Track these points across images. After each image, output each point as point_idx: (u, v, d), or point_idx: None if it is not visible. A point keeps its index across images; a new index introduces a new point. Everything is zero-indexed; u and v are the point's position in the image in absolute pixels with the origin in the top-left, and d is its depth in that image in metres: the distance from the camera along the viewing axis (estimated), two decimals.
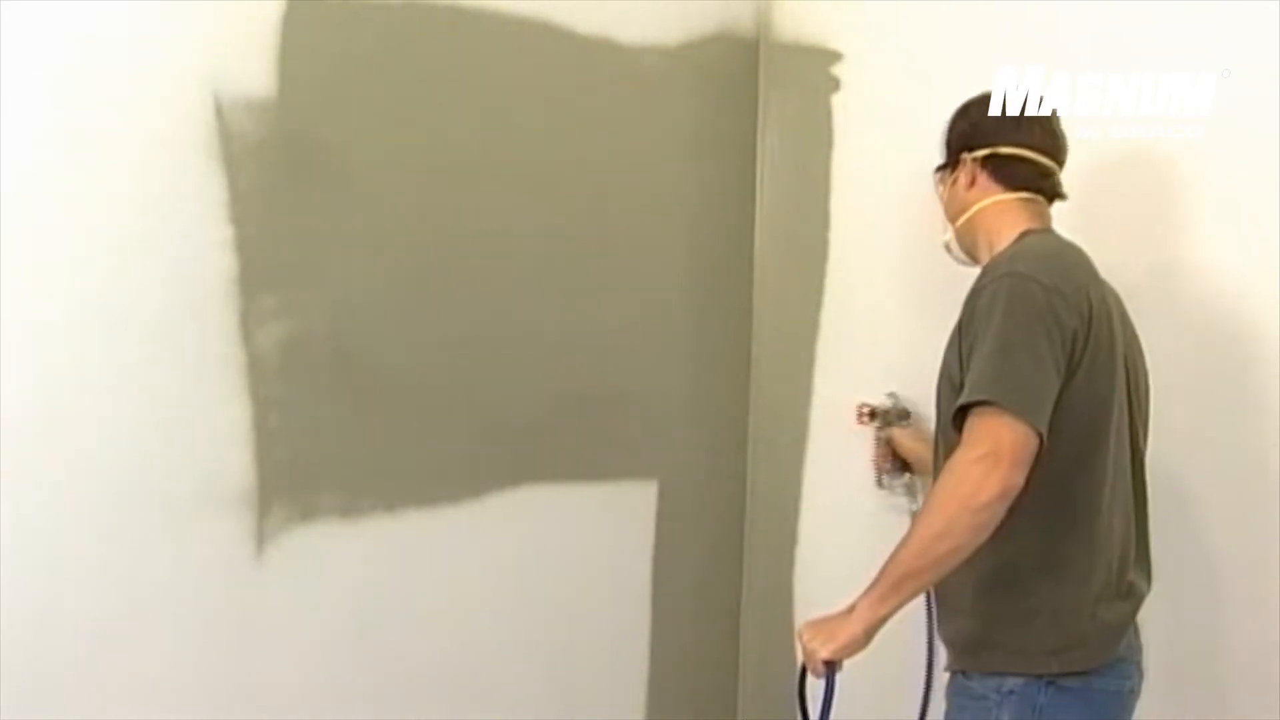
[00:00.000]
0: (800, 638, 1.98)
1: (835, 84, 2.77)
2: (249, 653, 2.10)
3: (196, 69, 1.99)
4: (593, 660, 2.60)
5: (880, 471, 2.74)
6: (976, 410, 1.89)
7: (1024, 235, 2.10)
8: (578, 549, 2.56)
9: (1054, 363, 1.92)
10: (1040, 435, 1.87)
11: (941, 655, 2.17)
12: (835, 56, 2.80)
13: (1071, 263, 2.04)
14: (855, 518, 2.63)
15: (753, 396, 2.93)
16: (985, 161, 2.17)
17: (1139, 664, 2.04)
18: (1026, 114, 2.19)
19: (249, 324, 2.05)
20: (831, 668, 1.95)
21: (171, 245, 1.97)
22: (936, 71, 2.61)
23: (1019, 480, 1.86)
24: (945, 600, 2.10)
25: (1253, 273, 2.33)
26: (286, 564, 2.11)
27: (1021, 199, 2.15)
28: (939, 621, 2.15)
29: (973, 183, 2.18)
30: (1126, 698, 2.03)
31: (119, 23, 1.91)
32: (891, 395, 2.75)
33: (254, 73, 2.05)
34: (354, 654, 2.22)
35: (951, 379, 2.02)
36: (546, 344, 2.49)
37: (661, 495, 2.74)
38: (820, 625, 1.96)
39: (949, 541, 1.87)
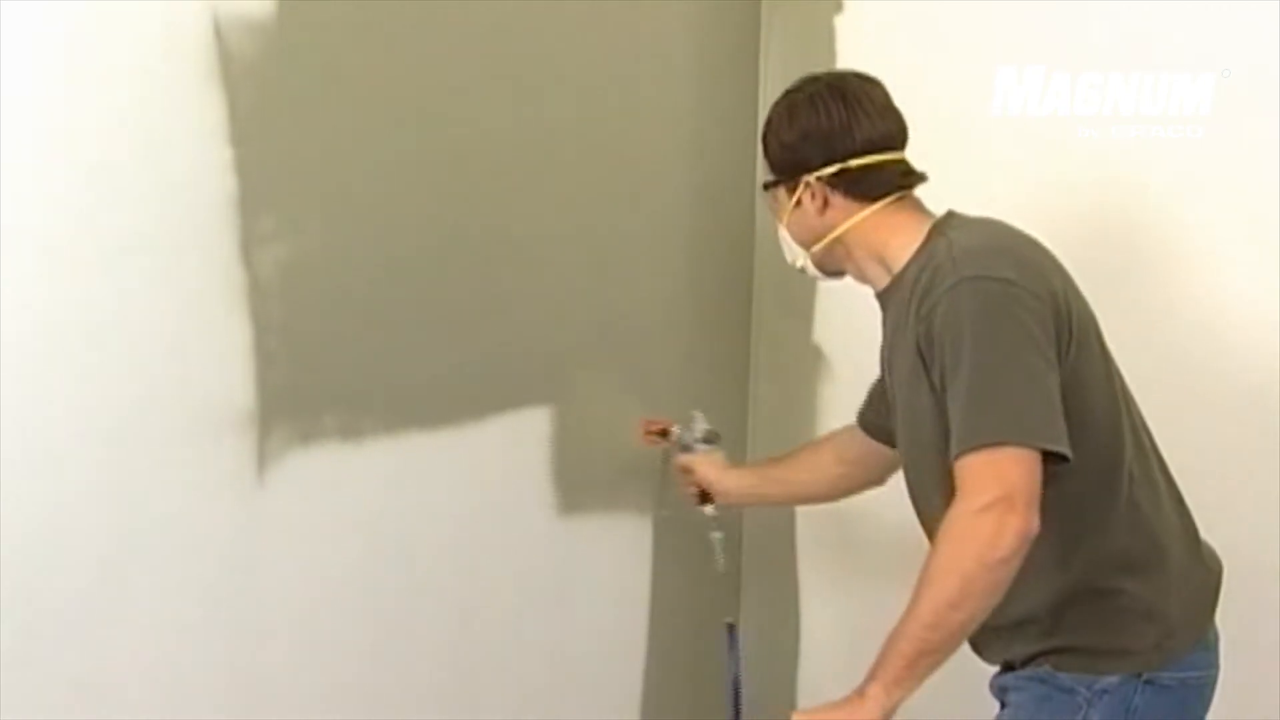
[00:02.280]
0: None
1: (838, 4, 2.72)
2: (251, 574, 2.08)
3: None
4: (595, 581, 2.61)
5: (661, 499, 2.52)
6: (969, 457, 1.69)
7: (935, 234, 1.88)
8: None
9: (1045, 362, 1.74)
10: (1059, 450, 1.70)
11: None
12: None
13: (1012, 243, 1.86)
14: (855, 502, 2.61)
15: (753, 336, 2.89)
16: (834, 179, 1.92)
17: (1218, 650, 1.93)
18: (863, 107, 1.92)
19: (249, 246, 2.02)
20: None
21: (170, 167, 1.94)
22: (938, 78, 2.61)
23: (1036, 521, 1.67)
24: (1010, 620, 1.84)
25: (1253, 273, 2.32)
26: (288, 486, 2.09)
27: (892, 203, 1.93)
28: (997, 637, 1.89)
29: (825, 205, 1.94)
30: (1210, 688, 1.91)
31: None
32: (692, 414, 2.51)
33: None
34: (356, 575, 2.21)
35: (916, 409, 1.85)
36: (547, 263, 2.45)
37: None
38: (823, 715, 1.74)
39: (967, 607, 1.67)
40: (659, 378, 2.69)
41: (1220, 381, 2.36)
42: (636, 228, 2.63)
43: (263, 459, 2.07)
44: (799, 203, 1.96)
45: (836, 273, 2.04)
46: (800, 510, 2.86)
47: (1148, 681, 1.83)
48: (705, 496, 2.49)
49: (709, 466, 2.47)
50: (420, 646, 2.31)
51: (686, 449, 2.49)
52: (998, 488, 1.67)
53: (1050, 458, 1.71)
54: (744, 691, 2.33)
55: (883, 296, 1.95)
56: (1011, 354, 1.73)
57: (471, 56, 2.32)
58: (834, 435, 2.38)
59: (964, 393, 1.73)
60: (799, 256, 2.03)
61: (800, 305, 2.79)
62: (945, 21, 2.60)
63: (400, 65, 2.21)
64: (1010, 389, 1.72)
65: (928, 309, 1.79)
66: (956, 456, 1.71)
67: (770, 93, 2.69)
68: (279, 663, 2.13)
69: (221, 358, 2.02)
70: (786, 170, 1.97)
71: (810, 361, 2.80)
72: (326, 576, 2.18)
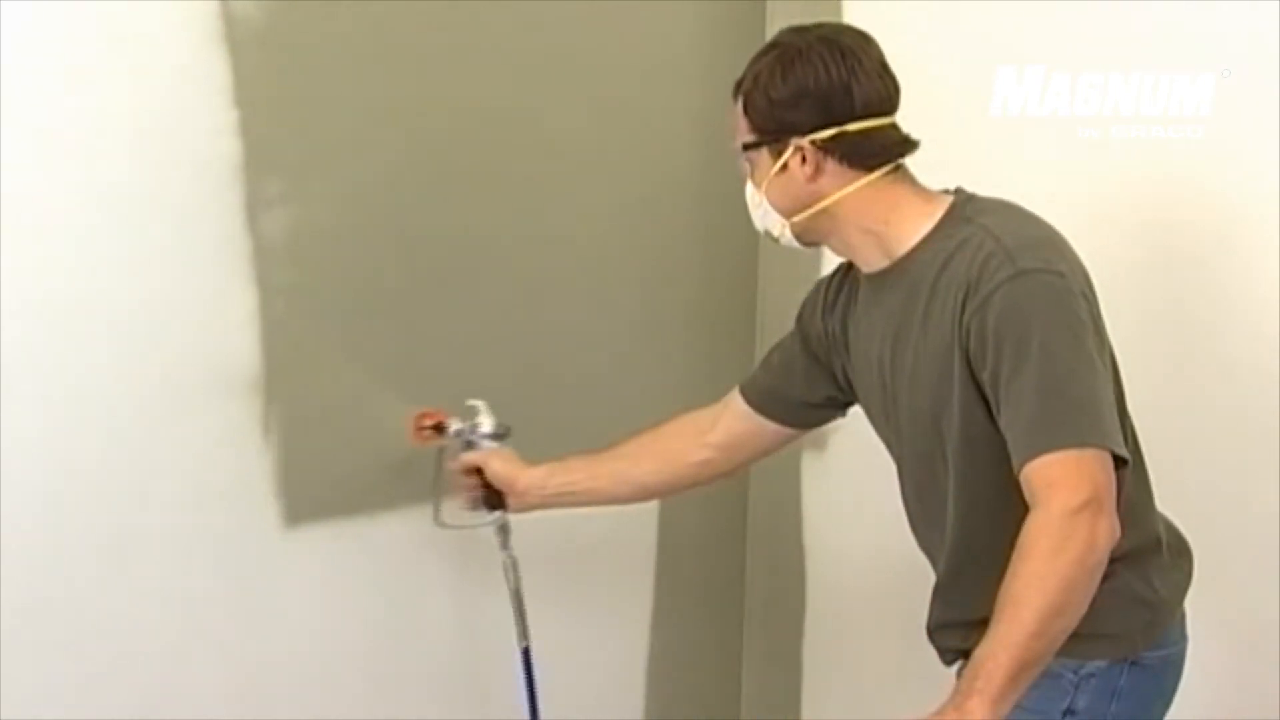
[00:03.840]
0: None
1: (837, 6, 2.70)
2: (257, 538, 2.10)
3: None
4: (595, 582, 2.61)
5: (438, 506, 2.22)
6: (1052, 455, 1.62)
7: (957, 218, 1.78)
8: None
9: (1102, 364, 1.70)
10: (1124, 454, 1.67)
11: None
12: None
13: (1051, 233, 1.79)
14: (860, 503, 2.61)
15: (758, 340, 2.87)
16: (830, 144, 1.77)
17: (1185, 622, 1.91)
18: (862, 66, 1.78)
19: (254, 210, 2.03)
20: None
21: (175, 130, 1.96)
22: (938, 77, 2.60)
23: (1119, 525, 1.63)
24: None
25: (1252, 273, 2.32)
26: (293, 449, 2.11)
27: (887, 174, 1.81)
28: (949, 604, 1.87)
29: (816, 172, 1.79)
30: (1182, 661, 1.89)
31: None
32: (475, 405, 2.21)
33: None
34: (358, 541, 2.22)
35: (937, 408, 1.77)
36: (548, 245, 2.46)
37: None
38: None
39: (1070, 614, 1.60)
40: (664, 380, 2.69)
41: (1220, 381, 2.35)
42: (642, 228, 2.63)
43: (268, 424, 2.06)
44: (785, 167, 1.79)
45: (813, 243, 1.90)
46: (803, 499, 2.83)
47: (1134, 664, 1.80)
48: (494, 500, 2.19)
49: (502, 462, 2.18)
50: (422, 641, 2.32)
51: (470, 446, 2.19)
52: (1088, 490, 1.60)
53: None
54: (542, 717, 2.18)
55: (879, 280, 1.84)
56: (1083, 353, 1.67)
57: (483, 25, 2.31)
58: (688, 419, 2.17)
59: (1036, 390, 1.64)
60: (775, 225, 1.86)
61: None
62: (945, 21, 2.60)
63: (406, 26, 2.20)
64: (1087, 390, 1.66)
65: (978, 303, 1.69)
66: (1032, 456, 1.64)
67: None
68: (285, 630, 2.15)
69: (227, 323, 2.02)
70: (773, 130, 1.79)
71: (812, 434, 2.77)
72: (328, 541, 2.17)
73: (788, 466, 2.85)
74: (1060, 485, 1.61)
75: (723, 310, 2.81)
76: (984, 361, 1.69)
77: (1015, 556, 1.62)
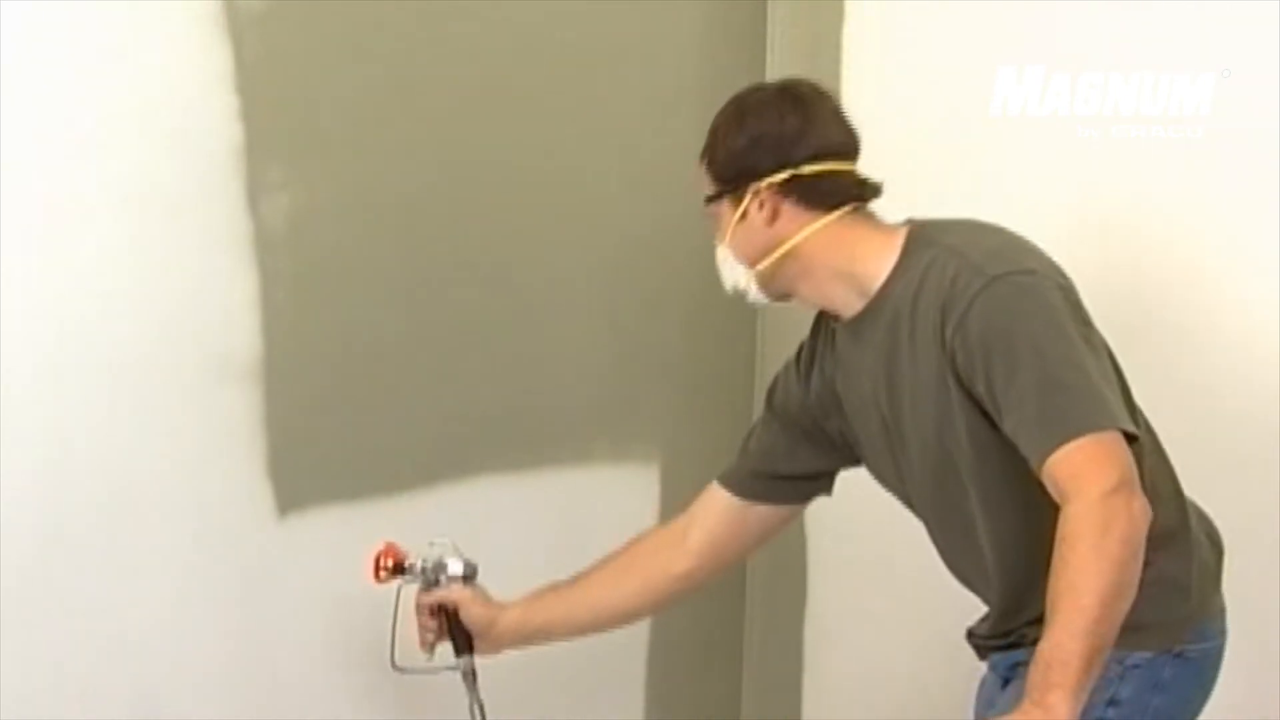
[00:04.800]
0: None
1: (840, 7, 2.72)
2: (255, 521, 2.11)
3: None
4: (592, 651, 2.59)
5: (394, 649, 2.03)
6: (1072, 445, 1.62)
7: (918, 246, 1.78)
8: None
9: (1094, 346, 1.71)
10: (1135, 432, 1.67)
11: None
12: None
13: (1014, 238, 1.80)
14: (862, 502, 2.60)
15: (758, 356, 2.86)
16: (785, 187, 1.80)
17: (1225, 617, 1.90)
18: (817, 112, 1.83)
19: (255, 195, 2.03)
20: None
21: (176, 116, 1.96)
22: (938, 78, 2.61)
23: (1148, 502, 1.63)
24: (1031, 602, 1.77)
25: (1253, 273, 2.32)
26: (292, 435, 2.12)
27: (848, 214, 1.82)
28: (1009, 614, 1.85)
29: (774, 215, 1.81)
30: (1221, 655, 1.89)
31: None
32: (436, 545, 2.04)
33: None
34: (355, 528, 2.21)
35: (946, 439, 1.76)
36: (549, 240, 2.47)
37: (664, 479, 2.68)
38: None
39: (1127, 594, 1.60)
40: (663, 430, 2.69)
41: (1219, 381, 2.35)
42: (639, 257, 2.63)
43: (268, 409, 2.07)
44: (744, 215, 1.82)
45: (783, 296, 1.90)
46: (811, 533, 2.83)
47: (1178, 655, 1.81)
48: (461, 643, 2.03)
49: (474, 604, 2.04)
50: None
51: (432, 586, 2.03)
52: (1115, 472, 1.61)
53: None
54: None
55: (857, 323, 1.83)
56: (1071, 342, 1.68)
57: (479, 21, 2.31)
58: (656, 534, 2.14)
59: (1035, 389, 1.65)
60: (741, 276, 1.87)
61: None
62: (945, 21, 2.60)
63: (407, 11, 2.20)
64: (1085, 376, 1.66)
65: (956, 321, 1.70)
66: (1049, 453, 1.63)
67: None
68: (282, 617, 2.15)
69: (228, 308, 2.02)
70: (733, 179, 1.83)
71: None
72: (327, 526, 2.18)
73: None
74: (1088, 472, 1.61)
75: (723, 326, 2.81)
76: (976, 375, 1.70)
77: (1060, 548, 1.61)
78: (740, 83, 2.72)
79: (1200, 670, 1.86)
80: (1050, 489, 1.65)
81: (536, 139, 2.42)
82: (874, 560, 2.71)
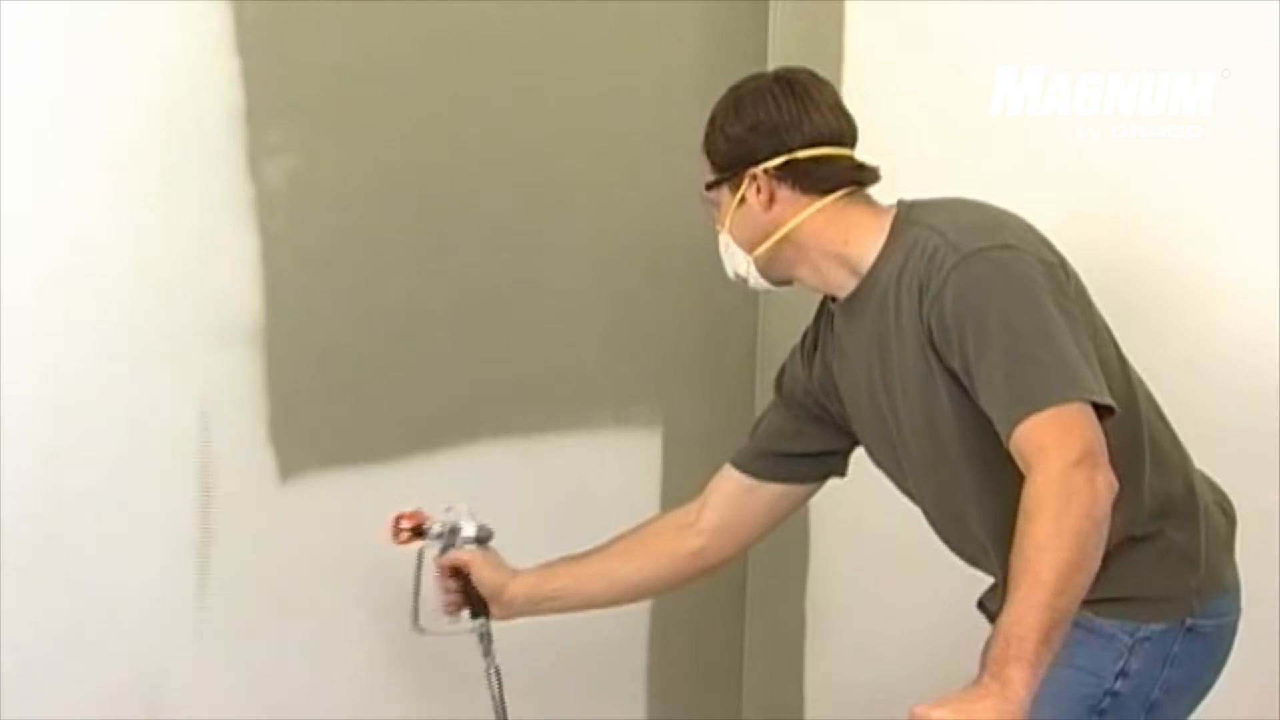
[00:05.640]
0: None
1: (840, 6, 2.72)
2: (259, 483, 2.10)
3: None
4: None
5: (417, 611, 2.10)
6: (1037, 418, 1.63)
7: (903, 225, 1.81)
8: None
9: (1071, 317, 1.70)
10: (1109, 403, 1.66)
11: None
12: None
13: (997, 214, 1.81)
14: (865, 499, 2.60)
15: (759, 348, 2.86)
16: (781, 171, 1.84)
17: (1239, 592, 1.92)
18: (813, 100, 1.86)
19: (256, 157, 2.03)
20: None
21: (176, 78, 1.95)
22: (938, 77, 2.61)
23: (1113, 475, 1.63)
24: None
25: (1253, 273, 2.33)
26: (294, 397, 2.11)
27: (843, 198, 1.85)
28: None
29: (771, 200, 1.85)
30: (1234, 631, 1.91)
31: None
32: (453, 509, 2.11)
33: None
34: (355, 490, 2.21)
35: (935, 416, 1.78)
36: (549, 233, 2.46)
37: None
38: (963, 708, 1.55)
39: (1087, 567, 1.59)
40: (666, 396, 2.68)
41: (1219, 381, 2.36)
42: (641, 227, 2.62)
43: (270, 374, 2.07)
44: (743, 200, 1.86)
45: (783, 281, 1.93)
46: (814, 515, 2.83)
47: (1189, 629, 1.82)
48: (478, 605, 2.09)
49: (485, 567, 2.10)
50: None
51: (448, 549, 2.10)
52: (1079, 444, 1.61)
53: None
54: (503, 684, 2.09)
55: (851, 304, 1.86)
56: (1043, 314, 1.68)
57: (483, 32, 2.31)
58: (668, 515, 2.17)
59: (1004, 361, 1.67)
60: (741, 262, 1.91)
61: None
62: (945, 21, 2.61)
63: None
64: (1056, 348, 1.66)
65: (932, 297, 1.72)
66: (1015, 424, 1.64)
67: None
68: (283, 580, 2.14)
69: (229, 270, 2.02)
70: (731, 165, 1.87)
71: None
72: (331, 488, 2.18)
73: None
74: (1050, 445, 1.62)
75: (725, 293, 2.78)
76: (952, 351, 1.72)
77: (1021, 522, 1.62)
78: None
79: (1212, 646, 1.88)
80: (1018, 462, 1.66)
81: (542, 104, 2.41)
82: (876, 545, 2.71)
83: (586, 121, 2.48)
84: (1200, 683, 1.90)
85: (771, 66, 2.77)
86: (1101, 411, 1.66)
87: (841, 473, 2.09)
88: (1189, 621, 1.82)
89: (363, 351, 2.21)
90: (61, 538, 1.90)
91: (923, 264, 1.74)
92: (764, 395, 2.81)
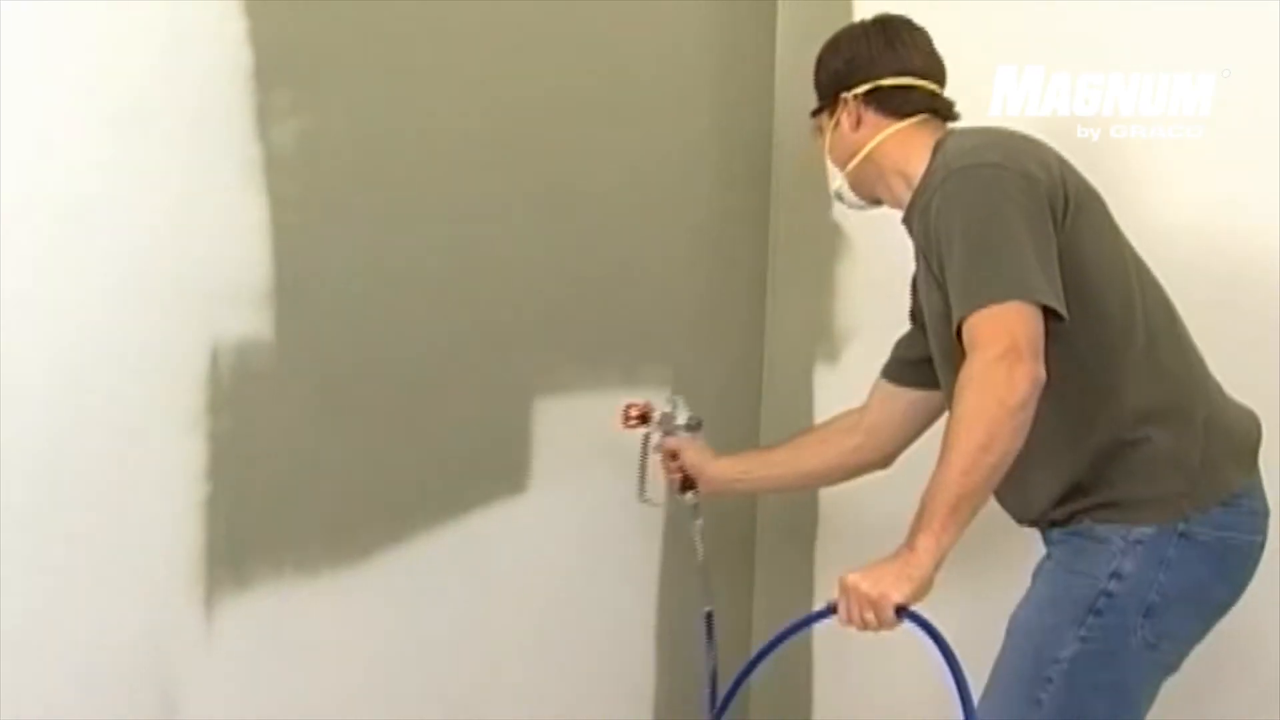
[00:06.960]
0: (853, 589, 1.81)
1: (848, 6, 2.70)
2: (267, 444, 2.08)
3: None
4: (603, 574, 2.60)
5: (643, 485, 2.44)
6: (976, 315, 1.81)
7: (938, 148, 2.03)
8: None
9: (1035, 228, 1.85)
10: (1053, 306, 1.81)
11: None
12: None
13: (1002, 136, 2.01)
14: (868, 493, 2.60)
15: (768, 324, 2.88)
16: (868, 97, 2.11)
17: (1266, 519, 1.99)
18: (902, 40, 2.14)
19: (265, 119, 2.01)
20: (902, 614, 1.79)
21: (184, 38, 1.93)
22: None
23: (1042, 370, 1.78)
24: (1058, 491, 1.96)
25: (1252, 272, 2.33)
26: (300, 358, 2.09)
27: (918, 123, 2.09)
28: (1027, 507, 2.02)
29: (858, 122, 2.12)
30: (1256, 552, 1.98)
31: None
32: (673, 399, 2.46)
33: None
34: (365, 439, 2.20)
35: (937, 315, 1.96)
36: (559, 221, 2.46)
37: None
38: (879, 571, 1.79)
39: (996, 449, 1.77)
40: (676, 354, 2.69)
41: (1220, 380, 2.35)
42: (655, 159, 2.62)
43: (279, 332, 2.07)
44: (837, 124, 2.13)
45: (870, 198, 2.16)
46: (822, 510, 2.84)
47: (1183, 535, 1.90)
48: (688, 483, 2.43)
49: (694, 451, 2.43)
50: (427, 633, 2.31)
51: (670, 434, 2.43)
52: (1006, 338, 1.78)
53: (1050, 315, 1.83)
54: (719, 681, 2.29)
55: (908, 217, 2.04)
56: (1002, 223, 1.84)
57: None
58: (847, 412, 2.37)
59: (960, 263, 1.85)
60: (836, 179, 2.18)
61: (817, 288, 2.80)
62: (945, 21, 2.60)
63: None
64: (1005, 251, 1.83)
65: (923, 208, 1.93)
66: (961, 320, 1.83)
67: (784, 90, 2.76)
68: (299, 530, 2.12)
69: (237, 232, 2.01)
70: (829, 93, 2.15)
71: (825, 346, 2.81)
72: (337, 439, 2.16)
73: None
74: (980, 340, 1.80)
75: (733, 251, 2.82)
76: (935, 260, 1.91)
77: (949, 407, 1.84)
78: (748, 76, 2.81)
79: (1216, 557, 1.93)
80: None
81: (554, 69, 2.42)
82: (883, 540, 2.68)
83: (596, 94, 2.50)
84: (1207, 594, 1.97)
85: (778, 64, 2.82)
86: (1054, 315, 1.82)
87: None
88: (1181, 526, 1.91)
89: (371, 312, 2.19)
90: (63, 497, 1.86)
91: (929, 182, 1.96)
92: (773, 354, 2.86)
